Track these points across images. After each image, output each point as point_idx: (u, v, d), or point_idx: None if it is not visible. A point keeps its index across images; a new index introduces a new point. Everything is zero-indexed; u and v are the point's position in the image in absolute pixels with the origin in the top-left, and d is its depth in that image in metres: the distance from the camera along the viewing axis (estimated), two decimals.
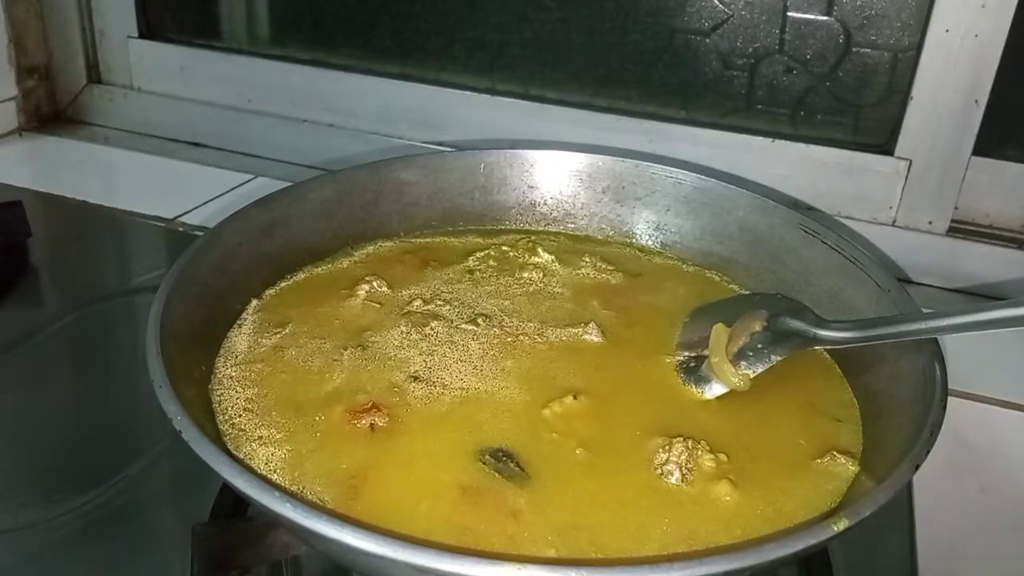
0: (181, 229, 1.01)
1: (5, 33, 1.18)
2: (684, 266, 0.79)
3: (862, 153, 0.99)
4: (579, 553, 0.49)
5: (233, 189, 1.10)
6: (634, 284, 0.75)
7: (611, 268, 0.76)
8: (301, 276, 0.74)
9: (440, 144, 1.13)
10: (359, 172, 0.79)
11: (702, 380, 0.62)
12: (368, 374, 0.62)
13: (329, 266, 0.75)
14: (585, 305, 0.71)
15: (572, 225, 0.84)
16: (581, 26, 1.06)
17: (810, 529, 0.44)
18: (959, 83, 0.92)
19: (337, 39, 1.18)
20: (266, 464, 0.54)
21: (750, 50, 1.01)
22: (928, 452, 0.50)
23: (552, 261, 0.77)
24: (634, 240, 0.82)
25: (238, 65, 1.21)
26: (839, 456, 0.56)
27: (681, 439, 0.56)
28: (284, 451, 0.55)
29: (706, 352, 0.63)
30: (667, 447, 0.55)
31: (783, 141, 1.01)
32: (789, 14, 0.98)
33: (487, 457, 0.55)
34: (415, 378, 0.61)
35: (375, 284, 0.71)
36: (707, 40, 1.02)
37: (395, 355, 0.64)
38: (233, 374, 0.61)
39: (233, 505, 0.60)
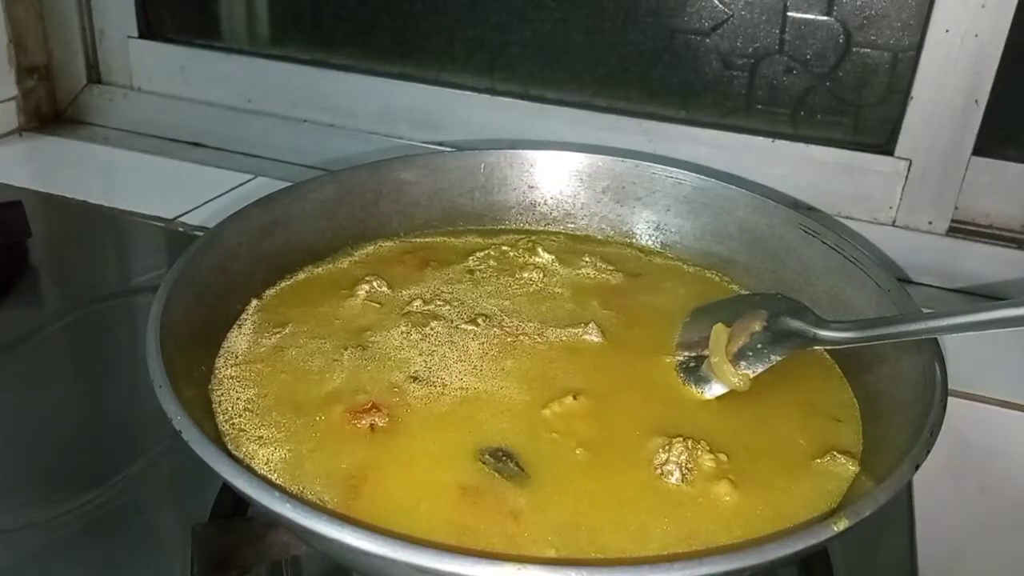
0: (181, 229, 1.01)
1: (5, 33, 1.18)
2: (684, 266, 0.79)
3: (862, 153, 0.99)
4: (579, 553, 0.49)
5: (233, 189, 1.10)
6: (634, 284, 0.75)
7: (611, 268, 0.76)
8: (301, 276, 0.74)
9: (440, 144, 1.13)
10: (359, 172, 0.79)
11: (702, 380, 0.62)
12: (368, 374, 0.62)
13: (329, 266, 0.75)
14: (585, 305, 0.71)
15: (572, 225, 0.84)
16: (581, 26, 1.06)
17: (810, 529, 0.44)
18: (959, 83, 0.92)
19: (337, 39, 1.18)
20: (266, 464, 0.54)
21: (750, 50, 1.01)
22: (928, 452, 0.50)
23: (552, 261, 0.77)
24: (634, 240, 0.82)
25: (238, 65, 1.21)
26: (839, 456, 0.56)
27: (681, 439, 0.56)
28: (284, 451, 0.55)
29: (706, 352, 0.63)
30: (667, 447, 0.55)
31: (783, 141, 1.01)
32: (789, 14, 0.98)
33: (487, 457, 0.55)
34: (415, 378, 0.61)
35: (375, 284, 0.71)
36: (707, 40, 1.02)
37: (395, 355, 0.64)
38: (233, 374, 0.61)
39: (233, 505, 0.60)
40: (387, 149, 1.14)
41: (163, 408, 0.50)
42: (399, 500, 0.52)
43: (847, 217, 1.00)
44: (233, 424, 0.57)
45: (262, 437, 0.56)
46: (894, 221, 1.00)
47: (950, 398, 0.54)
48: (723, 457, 0.56)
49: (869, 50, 0.97)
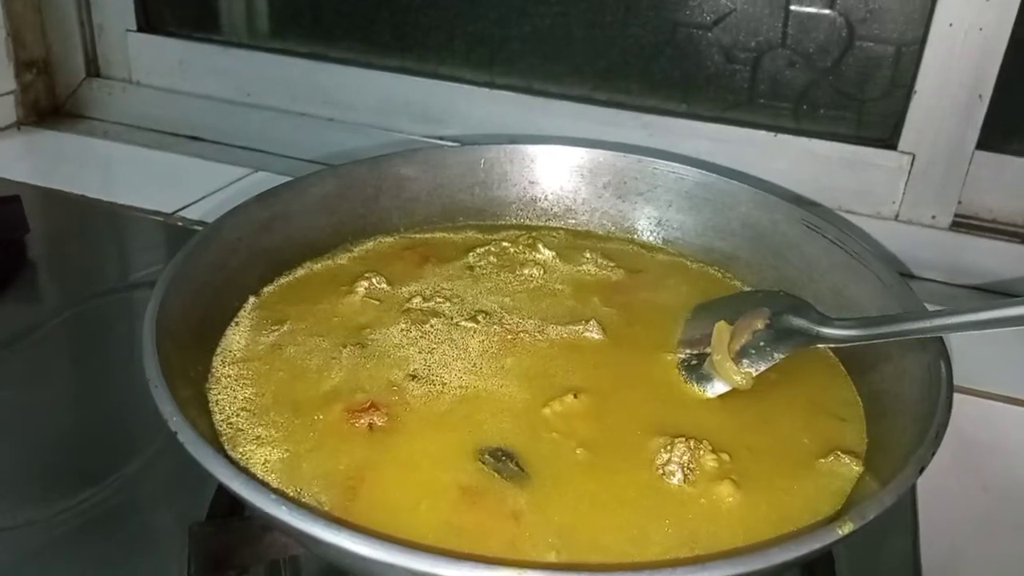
0: (180, 224, 1.01)
1: (3, 27, 1.17)
2: (686, 262, 0.78)
3: (865, 147, 0.98)
4: (580, 556, 0.49)
5: (232, 183, 1.09)
6: (635, 281, 0.74)
7: (612, 264, 0.76)
8: (300, 273, 0.73)
9: (440, 138, 1.12)
10: (359, 167, 0.79)
11: (704, 378, 0.62)
12: (367, 372, 0.61)
13: (328, 262, 0.75)
14: (586, 302, 0.71)
15: (573, 221, 0.83)
16: (581, 19, 1.05)
17: (815, 533, 0.43)
18: (963, 77, 0.91)
19: (337, 33, 1.17)
20: (263, 465, 0.53)
21: (752, 44, 1.00)
22: (933, 454, 0.49)
23: (553, 257, 0.76)
24: (635, 236, 0.81)
25: (237, 59, 1.20)
26: (843, 456, 0.56)
27: (683, 439, 0.55)
28: (282, 451, 0.54)
29: (708, 350, 0.63)
30: (669, 447, 0.55)
31: (785, 135, 1.00)
32: (792, 7, 0.97)
33: (486, 457, 0.54)
34: (414, 377, 0.61)
35: (374, 281, 0.71)
36: (709, 34, 1.01)
37: (394, 353, 0.63)
38: (230, 373, 0.61)
39: (231, 504, 0.59)
40: (387, 143, 1.12)
41: (158, 409, 0.49)
42: (398, 501, 0.51)
43: (849, 212, 0.99)
44: (230, 424, 0.56)
45: (259, 437, 0.55)
46: (897, 216, 0.99)
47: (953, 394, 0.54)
48: (725, 457, 0.55)
49: (872, 44, 0.96)
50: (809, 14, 0.97)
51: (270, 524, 0.50)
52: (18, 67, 1.21)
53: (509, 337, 0.65)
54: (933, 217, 0.98)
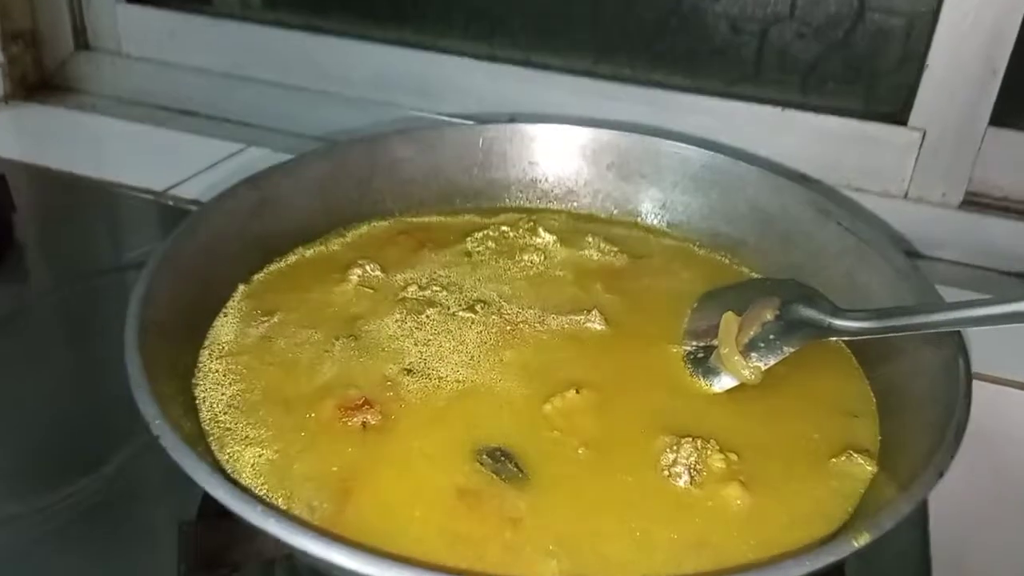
0: (172, 203, 0.98)
1: None
2: (692, 247, 0.76)
3: (874, 123, 0.96)
4: (582, 563, 0.47)
5: (224, 160, 1.07)
6: (639, 267, 0.72)
7: (615, 249, 0.74)
8: (291, 259, 0.71)
9: (438, 114, 1.09)
10: (352, 148, 0.76)
11: (711, 372, 0.60)
12: (360, 366, 0.59)
13: (321, 248, 0.73)
14: (588, 289, 0.68)
15: (575, 203, 0.81)
16: None
17: (830, 546, 0.42)
18: (977, 50, 0.89)
19: (331, 3, 1.14)
20: (252, 467, 0.51)
21: (760, 15, 0.97)
22: (953, 457, 0.47)
23: (553, 242, 0.74)
24: (639, 219, 0.79)
25: (230, 31, 1.18)
26: (856, 455, 0.54)
27: (690, 439, 0.53)
28: (271, 452, 0.52)
29: (715, 342, 0.61)
30: (675, 447, 0.53)
31: (793, 110, 0.98)
32: None
33: (484, 457, 0.52)
34: (409, 371, 0.59)
35: (368, 268, 0.68)
36: (715, 5, 0.98)
37: (388, 346, 0.61)
38: (218, 367, 0.59)
39: None
40: (383, 118, 1.10)
41: (140, 411, 0.47)
42: (392, 505, 0.49)
43: (858, 189, 0.97)
44: (218, 423, 0.54)
45: (248, 437, 0.53)
46: (906, 194, 0.97)
47: None
48: (733, 457, 0.53)
49: (883, 15, 0.94)
50: None
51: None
52: (4, 39, 1.18)
53: (508, 328, 0.63)
54: (943, 195, 0.96)
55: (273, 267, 0.69)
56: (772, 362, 0.58)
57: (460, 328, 0.63)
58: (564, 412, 0.56)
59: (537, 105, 1.05)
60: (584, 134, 0.80)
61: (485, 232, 0.74)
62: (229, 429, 0.54)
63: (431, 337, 0.62)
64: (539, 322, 0.64)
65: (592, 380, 0.58)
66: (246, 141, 1.11)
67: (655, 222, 0.79)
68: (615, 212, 0.80)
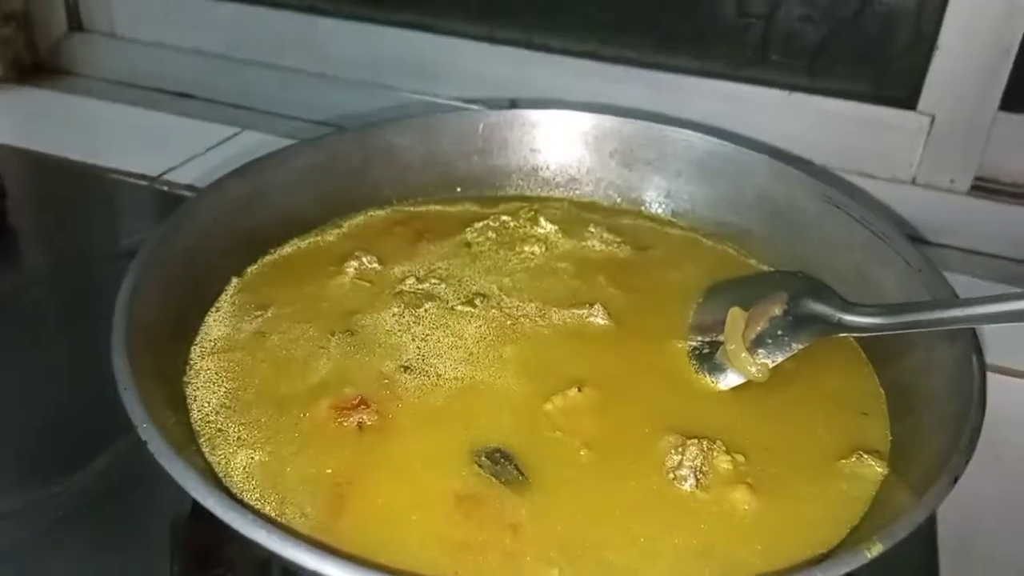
0: (166, 188, 0.97)
1: None
2: (696, 237, 0.74)
3: (883, 107, 0.94)
4: (584, 571, 0.45)
5: (219, 144, 1.05)
6: (643, 258, 0.70)
7: (618, 240, 0.72)
8: (286, 250, 0.69)
9: (436, 96, 1.07)
10: (346, 137, 0.74)
11: (716, 369, 0.58)
12: (356, 363, 0.58)
13: (316, 239, 0.71)
14: (590, 282, 0.67)
15: (577, 191, 0.79)
16: None
17: (842, 556, 0.41)
18: (989, 33, 0.87)
19: None
20: (244, 470, 0.50)
21: None
22: (968, 462, 0.46)
23: (555, 232, 0.72)
24: (643, 208, 0.77)
25: (226, 11, 1.15)
26: (866, 456, 0.52)
27: (696, 440, 0.51)
28: (264, 454, 0.51)
29: (721, 337, 0.59)
30: (680, 448, 0.51)
31: (800, 94, 0.96)
32: None
33: (483, 459, 0.51)
34: (407, 368, 0.57)
35: (365, 260, 0.67)
36: None
37: (385, 341, 0.60)
38: (210, 365, 0.57)
39: None
40: (380, 101, 1.09)
41: (128, 413, 0.45)
42: (389, 511, 0.48)
43: (865, 174, 0.96)
44: (209, 423, 0.53)
45: (240, 438, 0.52)
46: (914, 179, 0.95)
47: None
48: (740, 458, 0.52)
49: None
50: None
51: None
52: None
53: (508, 323, 0.62)
54: (952, 181, 0.94)
55: (267, 258, 0.68)
56: (780, 359, 0.57)
57: (459, 323, 0.61)
58: (565, 411, 0.55)
59: (538, 88, 1.03)
60: (586, 120, 0.78)
61: (485, 222, 0.73)
62: (221, 430, 0.53)
63: (429, 332, 0.60)
64: (540, 316, 0.63)
65: (594, 377, 0.57)
66: (242, 124, 1.09)
67: (659, 211, 0.77)
68: (618, 200, 0.78)
